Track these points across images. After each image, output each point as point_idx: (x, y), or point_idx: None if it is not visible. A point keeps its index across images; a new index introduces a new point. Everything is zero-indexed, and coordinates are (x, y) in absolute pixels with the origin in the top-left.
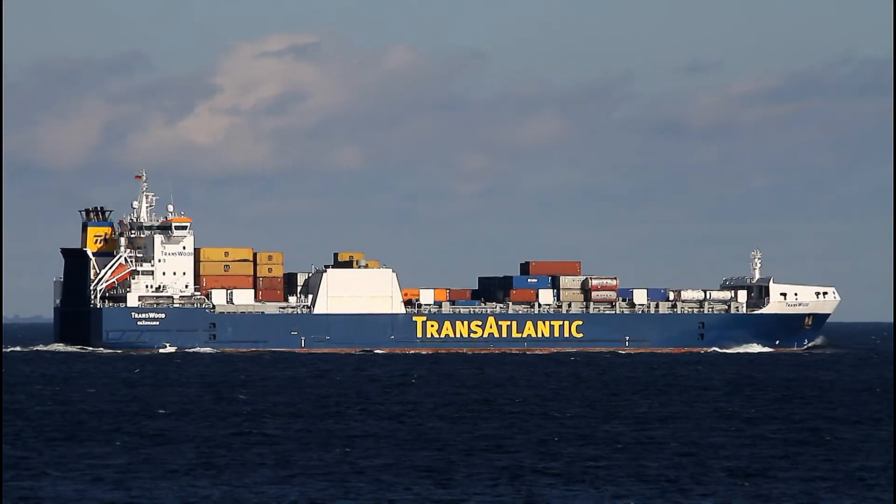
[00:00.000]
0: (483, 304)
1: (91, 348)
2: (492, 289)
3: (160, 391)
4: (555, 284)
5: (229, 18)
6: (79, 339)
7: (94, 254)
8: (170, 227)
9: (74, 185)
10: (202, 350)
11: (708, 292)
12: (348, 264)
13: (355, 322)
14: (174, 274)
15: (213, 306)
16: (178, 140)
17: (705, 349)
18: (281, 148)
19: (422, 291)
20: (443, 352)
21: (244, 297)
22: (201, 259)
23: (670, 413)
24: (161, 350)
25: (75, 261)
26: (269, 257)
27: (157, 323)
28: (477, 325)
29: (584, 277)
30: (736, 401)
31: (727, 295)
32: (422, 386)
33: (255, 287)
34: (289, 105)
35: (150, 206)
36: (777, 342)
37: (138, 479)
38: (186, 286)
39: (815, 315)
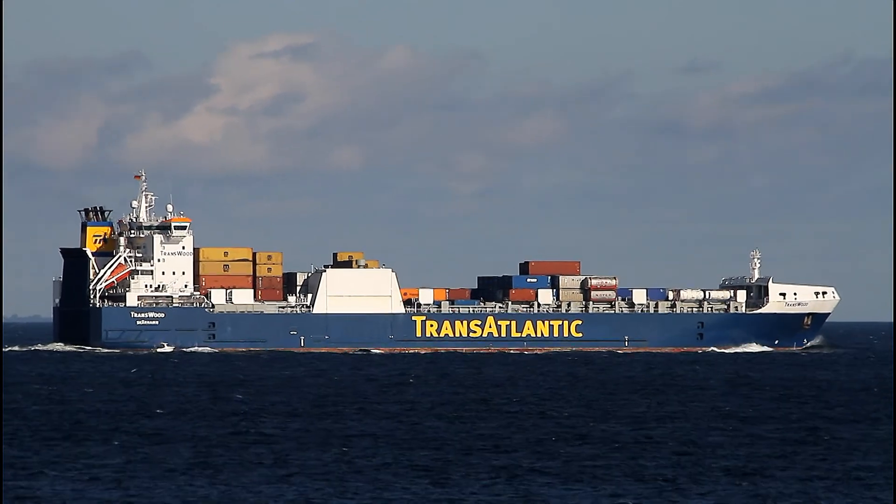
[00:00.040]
0: (482, 304)
1: (90, 348)
2: (491, 288)
3: (158, 391)
4: (554, 284)
5: (228, 19)
6: (78, 338)
7: (93, 253)
8: (169, 227)
9: (74, 185)
10: (201, 350)
11: (707, 292)
12: (347, 264)
13: (354, 322)
14: (173, 274)
15: (213, 306)
16: (176, 140)
17: (704, 349)
18: (280, 148)
19: (421, 291)
20: (442, 351)
21: (243, 297)
22: (201, 259)
23: (668, 413)
24: (159, 349)
25: (75, 260)
26: (269, 257)
27: (157, 322)
28: (476, 325)
29: (584, 277)
30: (733, 400)
31: (726, 295)
32: (419, 385)
33: (254, 287)
34: (288, 105)
35: (150, 205)
36: (776, 342)
37: (136, 479)
38: (186, 286)
39: (814, 315)
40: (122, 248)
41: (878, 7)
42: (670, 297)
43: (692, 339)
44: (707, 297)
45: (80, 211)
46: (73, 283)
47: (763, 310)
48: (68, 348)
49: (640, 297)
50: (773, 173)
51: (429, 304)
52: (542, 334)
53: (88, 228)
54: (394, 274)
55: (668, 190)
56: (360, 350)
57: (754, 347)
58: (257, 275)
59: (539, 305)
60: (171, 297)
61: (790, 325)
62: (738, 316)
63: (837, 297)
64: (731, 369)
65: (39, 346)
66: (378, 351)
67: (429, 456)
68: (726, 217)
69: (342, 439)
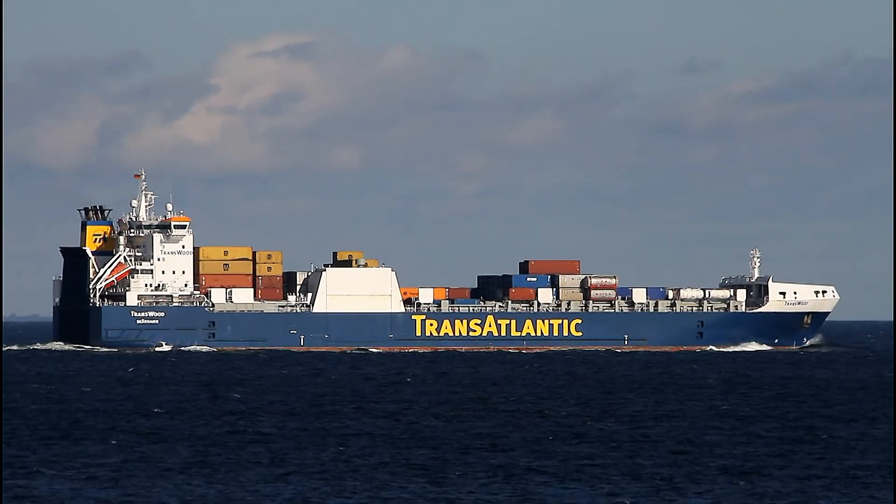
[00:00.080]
0: (482, 303)
1: (89, 347)
2: (491, 287)
3: (156, 390)
4: (554, 283)
5: (228, 18)
6: (78, 337)
7: (93, 253)
8: (169, 226)
9: (73, 185)
10: (201, 349)
11: (707, 291)
12: (347, 263)
13: (354, 321)
14: (173, 273)
15: (213, 305)
16: (175, 139)
17: (704, 348)
18: (279, 147)
19: (421, 290)
20: (442, 350)
21: (243, 296)
22: (200, 258)
23: (666, 412)
24: (157, 348)
25: (75, 260)
26: (269, 256)
27: (157, 322)
28: (476, 324)
29: (584, 276)
30: (731, 399)
31: (726, 294)
32: (417, 384)
33: (254, 286)
34: (288, 104)
35: (150, 205)
36: (776, 341)
37: (133, 478)
38: (186, 285)
39: (814, 314)
40: (121, 248)
41: (877, 7)
42: (670, 296)
43: (692, 338)
44: (707, 296)
45: (79, 210)
46: (72, 283)
47: (763, 309)
48: (67, 347)
49: (639, 296)
50: (773, 173)
51: (429, 304)
52: (541, 333)
53: (88, 227)
54: (394, 273)
55: (668, 190)
56: (360, 349)
57: (754, 346)
58: (257, 274)
59: (539, 304)
60: (171, 296)
61: (790, 324)
62: (738, 315)
63: (837, 297)
64: (730, 368)
65: (38, 346)
66: (378, 350)
67: (426, 455)
68: (726, 217)
69: (339, 438)
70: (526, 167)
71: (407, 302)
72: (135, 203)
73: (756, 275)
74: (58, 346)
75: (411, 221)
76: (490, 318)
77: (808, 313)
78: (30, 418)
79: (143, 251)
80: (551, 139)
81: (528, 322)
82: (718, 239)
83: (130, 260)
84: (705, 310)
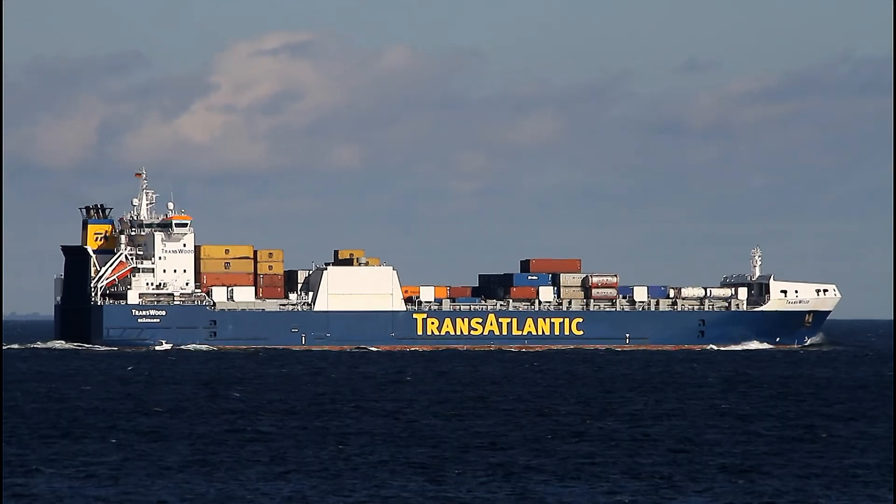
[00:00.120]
0: (483, 302)
1: (90, 345)
2: (492, 286)
3: (155, 388)
4: (555, 282)
5: (228, 17)
6: (79, 336)
7: (94, 251)
8: (170, 225)
9: (73, 184)
10: (202, 347)
11: (708, 290)
12: (349, 262)
13: (356, 319)
14: (174, 271)
15: (214, 304)
16: (175, 138)
17: (705, 346)
18: (279, 146)
19: (422, 289)
20: (443, 349)
21: (245, 295)
22: (202, 256)
23: (665, 410)
24: (157, 347)
25: (76, 258)
26: (270, 255)
27: (158, 320)
28: (477, 323)
29: (585, 275)
30: (731, 398)
31: (727, 292)
32: (416, 383)
33: (255, 284)
34: (287, 103)
35: (151, 203)
36: (777, 339)
37: (133, 476)
38: (187, 284)
39: (815, 312)
40: (123, 246)
41: (876, 6)
42: (671, 294)
43: (693, 336)
44: (708, 294)
45: (81, 209)
46: (74, 281)
47: (764, 307)
48: (67, 346)
49: (641, 294)
50: (773, 173)
51: (430, 302)
52: (543, 332)
53: (89, 226)
54: (395, 272)
55: (668, 190)
56: (361, 348)
57: (755, 345)
58: (258, 272)
59: (540, 303)
60: (172, 294)
61: (791, 323)
62: (740, 314)
63: (838, 295)
64: (730, 367)
65: (39, 344)
66: (380, 349)
67: (425, 453)
68: (726, 217)
69: (339, 437)
70: (526, 167)
71: (408, 301)
72: (136, 202)
73: (757, 273)
74: (59, 344)
75: (412, 220)
76: (491, 317)
77: (809, 312)
78: (29, 417)
79: (145, 250)
80: (551, 139)
81: (530, 321)
82: (718, 239)
83: (131, 259)
84: (706, 308)
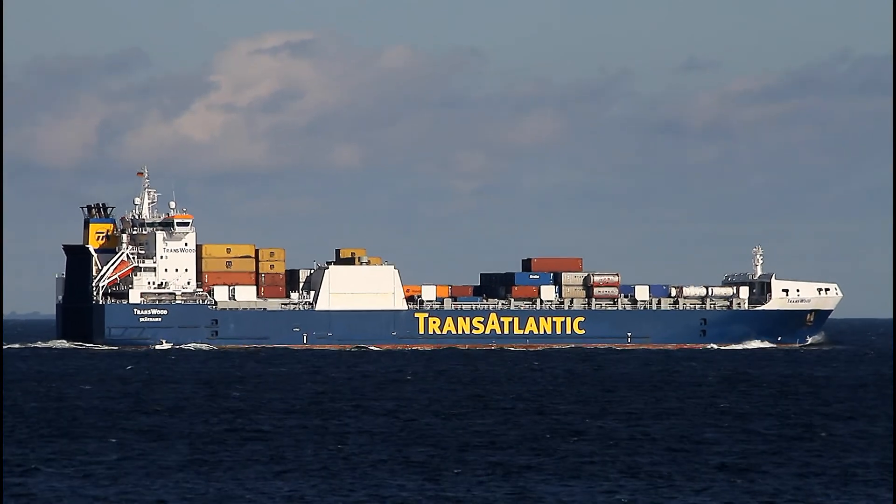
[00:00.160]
0: (485, 301)
1: (90, 345)
2: (494, 285)
3: (155, 388)
4: (557, 281)
5: (228, 16)
6: (81, 335)
7: (96, 250)
8: (172, 224)
9: (74, 184)
10: (204, 346)
11: (710, 289)
12: (350, 261)
13: (357, 318)
14: (176, 270)
15: (216, 303)
16: (176, 137)
17: (707, 345)
18: (279, 145)
19: (423, 288)
20: (444, 348)
21: (246, 294)
22: (203, 256)
23: (665, 409)
24: (157, 347)
25: (77, 257)
26: (271, 254)
27: (160, 319)
28: (479, 322)
29: (586, 274)
30: (730, 397)
31: (729, 291)
32: (416, 382)
33: (257, 283)
34: (288, 103)
35: (152, 202)
36: (779, 338)
37: (132, 476)
38: (188, 283)
39: (816, 311)
40: (124, 245)
41: (876, 5)
42: (673, 293)
43: (695, 335)
44: (709, 293)
45: (82, 208)
46: (75, 280)
47: (766, 306)
48: (67, 345)
49: (642, 293)
50: (773, 173)
51: (431, 301)
52: (544, 331)
53: (91, 225)
54: (396, 271)
55: (669, 189)
56: (363, 347)
57: (756, 344)
58: (260, 272)
59: (542, 302)
60: (174, 294)
61: (793, 322)
62: (741, 312)
63: (840, 294)
64: (730, 366)
65: (39, 344)
66: (381, 348)
67: (424, 452)
68: (726, 217)
69: (338, 436)
70: (526, 166)
71: (410, 300)
72: (137, 201)
73: (759, 272)
74: (60, 343)
75: (413, 220)
76: (493, 316)
77: (810, 311)
78: (29, 416)
79: (146, 249)
80: (551, 138)
81: (531, 320)
82: (719, 239)
83: (133, 258)
84: (708, 307)
